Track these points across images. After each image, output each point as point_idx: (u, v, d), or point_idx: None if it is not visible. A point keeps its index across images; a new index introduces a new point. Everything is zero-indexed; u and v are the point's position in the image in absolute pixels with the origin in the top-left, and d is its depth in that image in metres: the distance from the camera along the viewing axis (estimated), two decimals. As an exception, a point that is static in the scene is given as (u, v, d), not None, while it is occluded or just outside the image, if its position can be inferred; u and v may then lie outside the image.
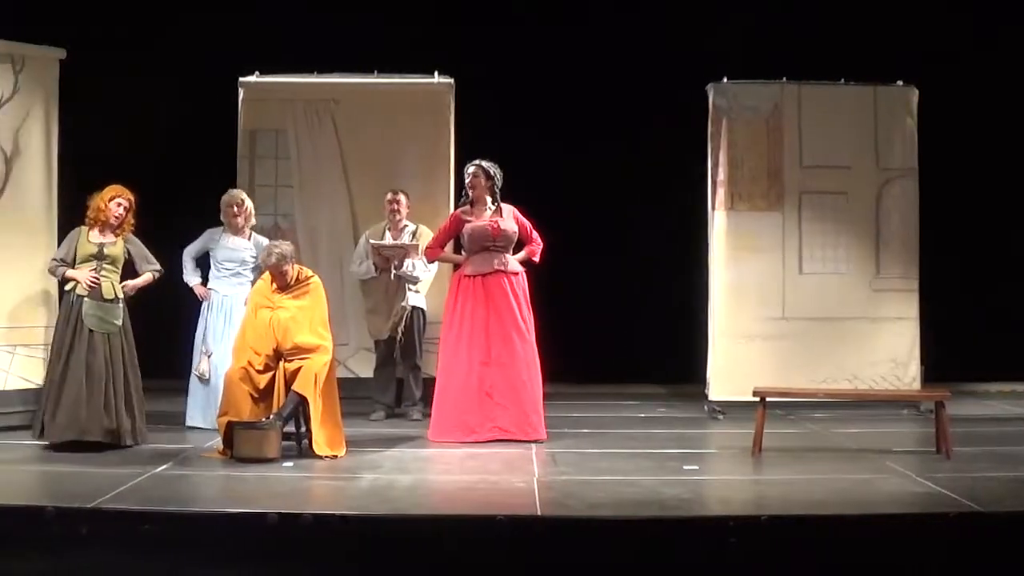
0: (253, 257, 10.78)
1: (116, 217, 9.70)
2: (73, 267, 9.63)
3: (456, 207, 10.68)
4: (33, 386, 10.20)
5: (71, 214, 10.40)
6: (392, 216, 11.29)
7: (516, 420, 10.03)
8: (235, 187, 11.44)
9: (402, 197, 11.32)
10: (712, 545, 6.97)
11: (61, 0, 12.33)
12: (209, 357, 10.67)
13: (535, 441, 9.90)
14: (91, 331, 9.49)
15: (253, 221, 11.03)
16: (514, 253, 10.49)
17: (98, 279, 9.56)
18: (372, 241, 11.16)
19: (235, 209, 10.84)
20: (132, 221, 9.84)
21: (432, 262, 10.86)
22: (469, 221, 10.33)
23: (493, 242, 10.30)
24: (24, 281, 10.31)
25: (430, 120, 12.03)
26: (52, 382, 9.50)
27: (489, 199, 10.41)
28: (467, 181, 10.42)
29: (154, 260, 9.99)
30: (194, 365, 10.77)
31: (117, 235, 9.75)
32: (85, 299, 9.53)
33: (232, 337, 10.15)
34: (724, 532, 7.00)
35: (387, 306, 11.18)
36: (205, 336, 10.76)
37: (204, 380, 10.66)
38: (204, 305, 10.85)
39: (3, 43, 10.55)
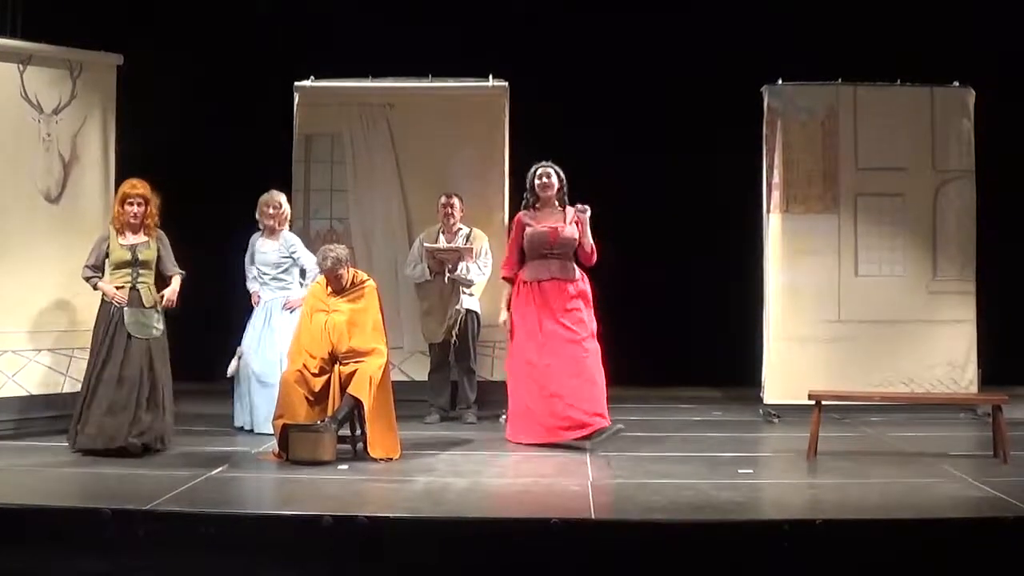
0: (285, 258, 10.77)
1: (134, 217, 9.63)
2: (103, 273, 9.72)
3: (518, 210, 10.50)
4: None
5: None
6: (446, 220, 11.32)
7: (581, 422, 9.85)
8: (291, 191, 11.51)
9: (456, 200, 11.34)
10: (767, 549, 6.95)
11: (118, 5, 12.42)
12: (239, 359, 10.69)
13: (588, 437, 9.80)
14: (129, 338, 9.47)
15: (287, 226, 10.97)
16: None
17: (124, 299, 9.52)
18: (427, 245, 11.19)
19: (270, 210, 10.79)
20: (156, 215, 9.75)
21: (509, 280, 10.39)
22: (530, 225, 10.24)
23: (551, 249, 10.19)
24: (82, 285, 10.37)
25: (485, 124, 12.03)
26: (85, 391, 9.53)
27: (556, 203, 10.33)
28: (537, 183, 10.30)
29: (175, 263, 9.92)
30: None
31: (148, 235, 9.70)
32: (125, 307, 9.54)
33: (268, 342, 10.50)
34: (779, 536, 6.97)
35: (442, 309, 11.21)
36: (243, 338, 10.80)
37: (230, 379, 10.78)
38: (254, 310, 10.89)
39: (61, 49, 10.66)
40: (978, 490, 8.15)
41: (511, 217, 11.73)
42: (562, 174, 10.37)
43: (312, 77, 12.14)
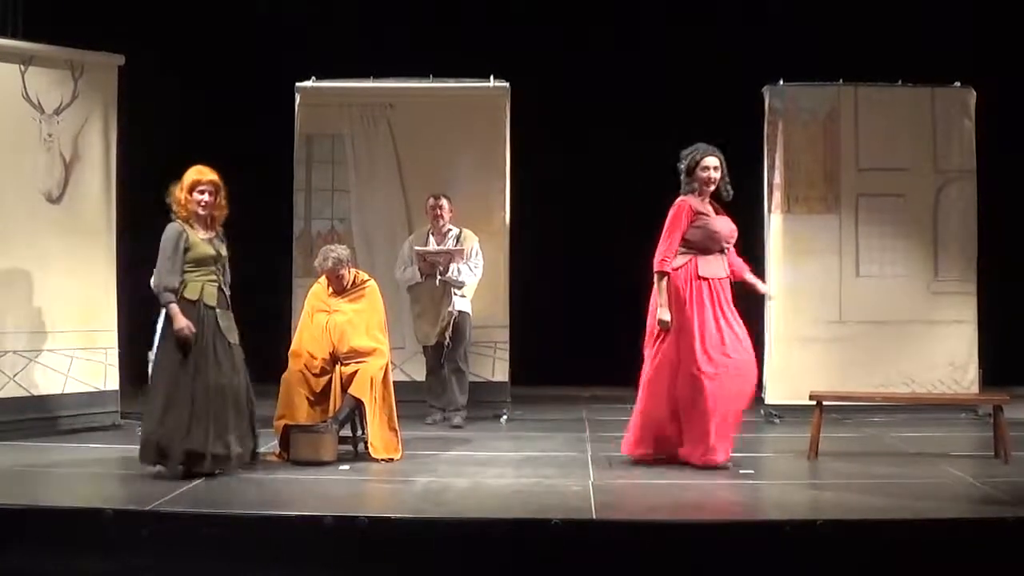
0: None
1: (204, 206, 8.73)
2: (183, 272, 8.60)
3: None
4: (92, 390, 10.29)
5: (129, 218, 10.51)
6: (435, 221, 11.28)
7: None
8: (292, 191, 11.50)
9: (444, 202, 11.29)
10: (767, 549, 6.95)
11: (118, 6, 12.43)
12: None
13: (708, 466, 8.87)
14: (215, 346, 8.59)
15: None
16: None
17: (192, 334, 8.47)
18: (416, 248, 11.17)
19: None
20: (225, 206, 8.94)
21: (666, 274, 9.22)
22: (704, 215, 9.23)
23: (727, 242, 9.31)
24: (84, 285, 10.40)
25: (486, 124, 12.02)
26: (161, 400, 8.51)
27: (711, 190, 9.31)
28: (704, 175, 9.18)
29: None
30: None
31: (216, 228, 8.86)
32: (217, 310, 8.70)
33: None
34: (780, 536, 6.97)
35: (434, 311, 11.17)
36: None
37: None
38: None
39: (62, 50, 10.67)
40: (978, 490, 8.15)
41: (511, 217, 11.77)
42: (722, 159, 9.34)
43: (313, 77, 12.14)
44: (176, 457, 8.36)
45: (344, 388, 9.33)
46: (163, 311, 8.68)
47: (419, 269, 11.15)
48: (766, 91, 12.02)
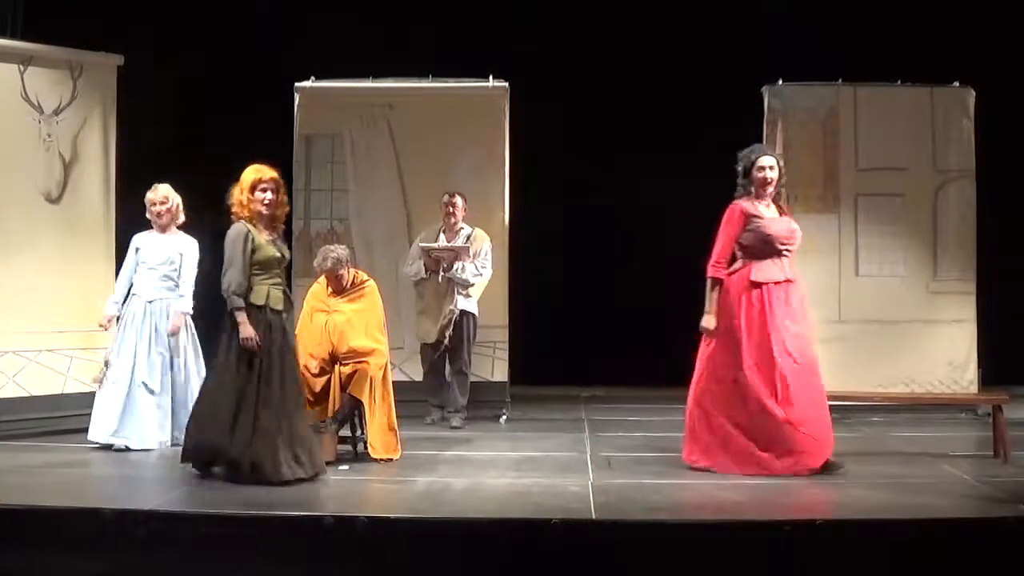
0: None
1: (267, 205, 8.49)
2: (249, 275, 8.37)
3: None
4: (91, 390, 10.27)
5: (128, 219, 10.50)
6: (447, 219, 11.29)
7: (810, 451, 8.73)
8: (290, 192, 11.49)
9: (459, 200, 11.29)
10: (767, 549, 6.95)
11: (118, 6, 12.43)
12: (106, 366, 9.96)
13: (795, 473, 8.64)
14: (283, 353, 8.42)
15: (181, 218, 10.17)
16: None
17: (257, 345, 8.28)
18: (422, 244, 11.17)
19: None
20: (286, 204, 8.73)
21: (719, 281, 9.01)
22: (759, 217, 8.97)
23: (786, 246, 9.00)
24: (83, 285, 10.40)
25: (485, 124, 12.02)
26: (229, 407, 8.32)
27: (771, 191, 9.05)
28: (760, 175, 8.94)
29: None
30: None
31: (278, 229, 8.65)
32: (284, 314, 8.57)
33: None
34: (780, 536, 6.97)
35: (437, 309, 11.15)
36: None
37: (94, 389, 9.97)
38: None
39: (62, 50, 10.68)
40: (978, 490, 8.15)
41: (511, 217, 11.76)
42: (782, 161, 9.18)
43: (312, 77, 12.14)
44: (244, 466, 8.18)
45: (343, 388, 9.32)
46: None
47: (424, 265, 11.13)
48: (765, 91, 12.02)
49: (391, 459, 9.24)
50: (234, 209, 8.48)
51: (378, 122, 12.12)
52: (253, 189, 8.51)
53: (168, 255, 10.01)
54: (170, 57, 12.67)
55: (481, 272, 11.18)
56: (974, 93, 11.97)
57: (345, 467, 8.96)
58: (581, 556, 6.98)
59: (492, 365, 11.79)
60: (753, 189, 8.98)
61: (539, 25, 13.26)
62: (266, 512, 7.41)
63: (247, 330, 8.25)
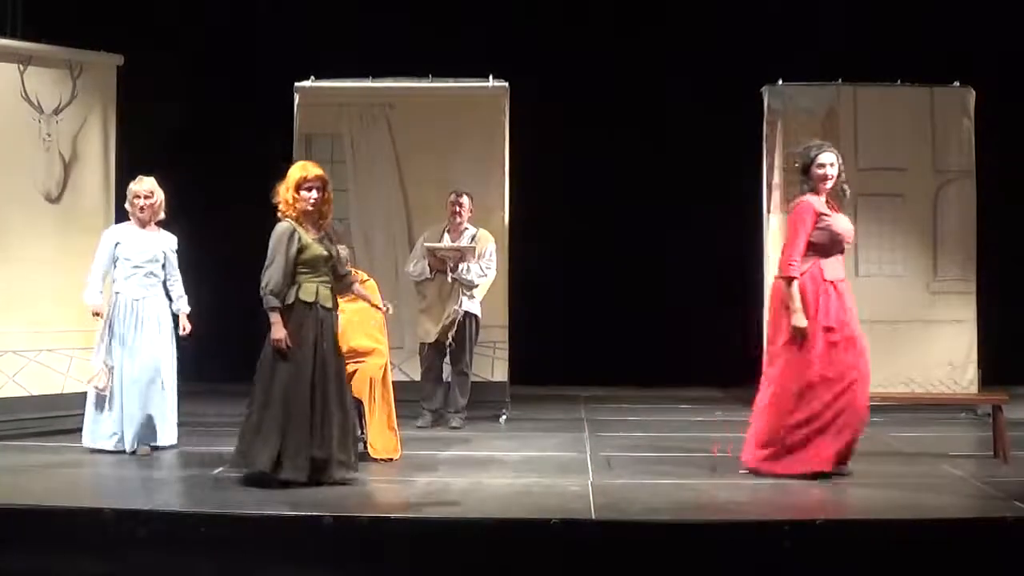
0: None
1: (314, 203, 8.38)
2: (296, 275, 8.25)
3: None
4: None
5: (127, 218, 10.48)
6: (453, 218, 11.20)
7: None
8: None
9: (465, 200, 11.18)
10: (767, 549, 6.95)
11: (118, 6, 12.43)
12: (110, 370, 9.60)
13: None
14: (335, 350, 8.39)
15: (162, 215, 9.85)
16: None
17: (287, 347, 8.13)
18: (427, 244, 11.12)
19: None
20: (330, 201, 8.60)
21: (795, 280, 8.66)
22: (829, 216, 8.78)
23: (848, 244, 8.95)
24: (83, 285, 10.37)
25: (485, 124, 12.01)
26: (280, 407, 8.15)
27: (830, 188, 8.89)
28: (820, 172, 8.79)
29: None
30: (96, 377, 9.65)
31: (325, 228, 8.58)
32: (334, 312, 8.48)
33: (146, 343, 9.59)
34: (779, 536, 6.97)
35: (440, 309, 11.06)
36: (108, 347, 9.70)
37: (103, 394, 9.60)
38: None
39: (61, 50, 10.67)
40: (978, 490, 8.15)
41: (511, 217, 11.75)
42: (840, 159, 8.97)
43: (312, 77, 12.14)
44: (302, 466, 8.07)
45: (343, 388, 9.33)
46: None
47: (429, 264, 11.07)
48: (765, 91, 12.03)
49: (391, 459, 9.24)
50: (280, 208, 8.37)
51: (378, 122, 12.12)
52: (299, 188, 8.38)
53: (153, 253, 9.73)
54: (170, 57, 12.68)
55: (486, 273, 11.13)
56: (974, 93, 11.98)
57: (345, 467, 8.96)
58: (581, 556, 6.97)
59: (492, 365, 11.78)
60: (813, 185, 8.84)
61: (539, 25, 13.26)
62: (266, 512, 7.41)
63: (279, 331, 8.14)
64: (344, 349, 9.29)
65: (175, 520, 7.20)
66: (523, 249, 12.19)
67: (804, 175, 8.88)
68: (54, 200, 10.55)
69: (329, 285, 8.42)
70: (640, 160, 13.40)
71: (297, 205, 8.33)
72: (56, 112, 10.55)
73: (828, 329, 8.55)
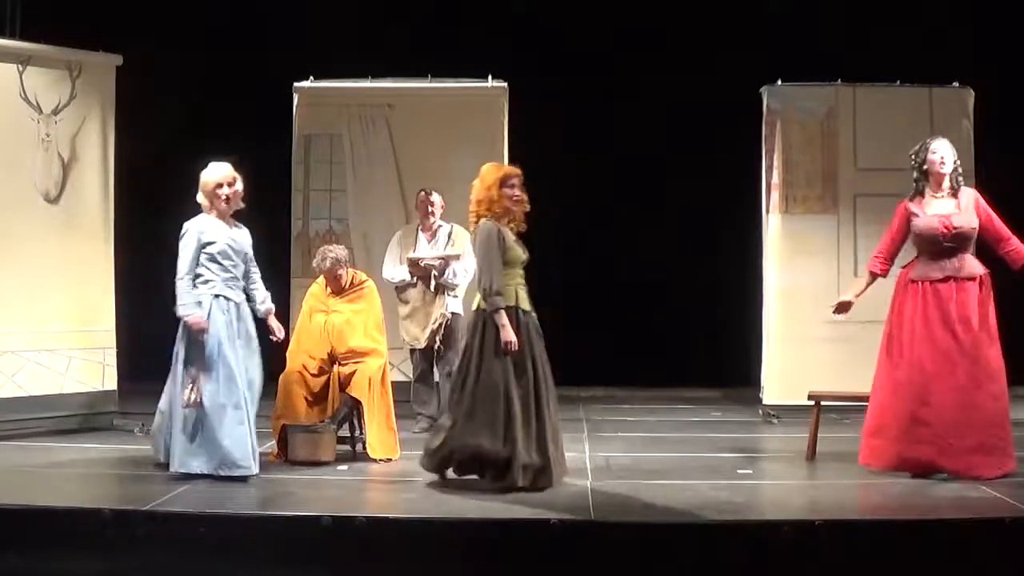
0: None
1: (517, 201, 8.32)
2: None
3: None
4: (90, 390, 10.28)
5: (127, 218, 10.50)
6: (425, 218, 10.93)
7: (954, 452, 8.41)
8: (291, 192, 11.49)
9: (436, 197, 10.90)
10: (767, 549, 6.95)
11: (117, 6, 12.43)
12: (194, 383, 8.42)
13: (977, 478, 8.33)
14: (540, 354, 8.22)
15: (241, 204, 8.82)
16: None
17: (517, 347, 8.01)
18: (410, 255, 10.80)
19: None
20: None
21: (875, 276, 9.00)
22: (916, 215, 8.79)
23: (942, 244, 8.77)
24: (82, 285, 10.39)
25: (484, 124, 12.02)
26: (503, 414, 7.97)
27: (947, 183, 8.80)
28: (933, 158, 8.74)
29: None
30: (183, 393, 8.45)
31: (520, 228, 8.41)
32: (533, 314, 8.34)
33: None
34: (778, 537, 6.96)
35: (424, 314, 10.77)
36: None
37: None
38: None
39: (61, 50, 10.66)
40: (977, 491, 8.14)
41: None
42: (954, 149, 8.86)
43: (312, 77, 12.15)
44: (526, 475, 7.93)
45: (342, 388, 9.33)
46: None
47: (410, 272, 10.87)
48: (764, 91, 12.03)
49: (390, 459, 9.24)
50: (480, 208, 8.23)
51: (377, 122, 12.13)
52: (502, 185, 8.28)
53: (245, 250, 8.73)
54: (170, 57, 12.67)
55: (468, 270, 10.99)
56: (974, 93, 11.98)
57: (344, 467, 8.96)
58: (581, 556, 6.97)
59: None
60: (929, 180, 8.80)
61: (539, 25, 13.26)
62: (266, 512, 7.42)
63: (509, 333, 7.98)
64: (343, 349, 9.36)
65: (174, 520, 7.21)
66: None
67: (919, 171, 8.86)
68: (53, 200, 10.54)
69: (525, 288, 8.31)
70: (639, 160, 13.39)
71: (501, 203, 8.22)
72: (55, 112, 10.54)
73: (899, 327, 8.73)
